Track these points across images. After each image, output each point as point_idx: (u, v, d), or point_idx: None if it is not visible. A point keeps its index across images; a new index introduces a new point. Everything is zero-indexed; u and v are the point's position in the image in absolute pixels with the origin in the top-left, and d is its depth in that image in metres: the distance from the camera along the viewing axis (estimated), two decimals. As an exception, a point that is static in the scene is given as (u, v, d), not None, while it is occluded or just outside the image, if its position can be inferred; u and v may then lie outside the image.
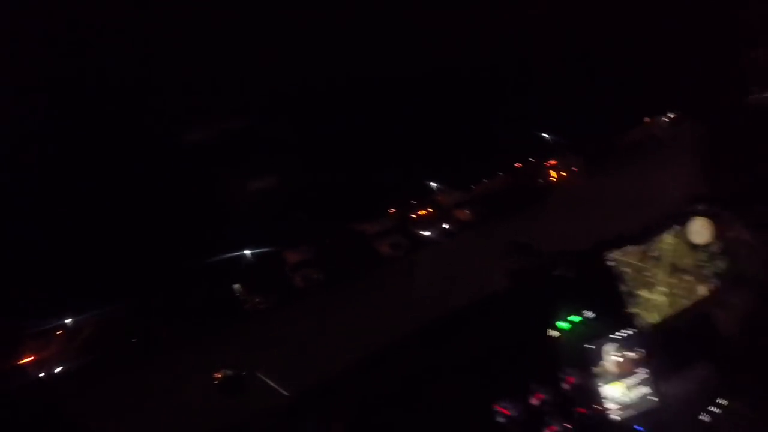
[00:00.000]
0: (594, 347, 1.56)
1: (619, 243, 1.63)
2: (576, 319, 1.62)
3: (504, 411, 1.58)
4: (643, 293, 1.59)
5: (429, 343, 1.79)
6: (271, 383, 1.80)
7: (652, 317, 1.57)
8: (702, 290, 1.63)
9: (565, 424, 1.55)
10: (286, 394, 1.78)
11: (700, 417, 1.59)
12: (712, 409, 1.63)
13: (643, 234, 1.64)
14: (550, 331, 1.63)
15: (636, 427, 1.60)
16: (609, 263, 1.59)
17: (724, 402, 1.63)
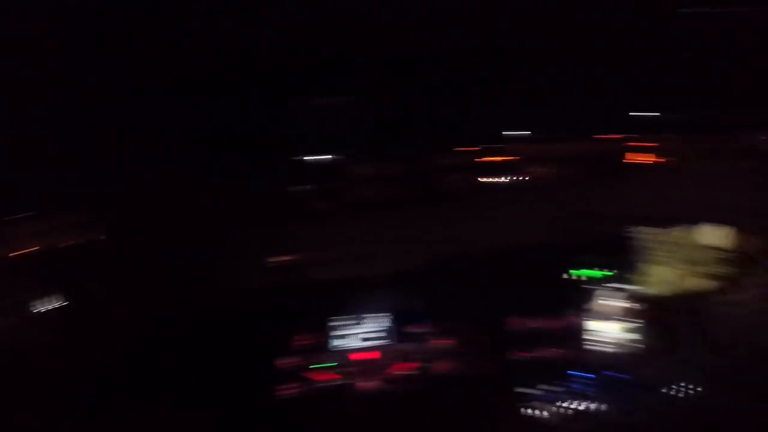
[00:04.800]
0: (595, 290, 2.43)
1: (648, 224, 2.43)
2: (594, 272, 2.52)
3: (515, 325, 2.56)
4: (655, 268, 2.38)
5: (476, 265, 2.72)
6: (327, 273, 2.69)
7: (657, 288, 2.36)
8: (703, 283, 2.33)
9: (561, 349, 2.52)
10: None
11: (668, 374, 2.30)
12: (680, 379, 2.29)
13: (670, 223, 2.36)
14: (571, 275, 2.52)
15: (617, 374, 2.49)
16: (634, 237, 2.40)
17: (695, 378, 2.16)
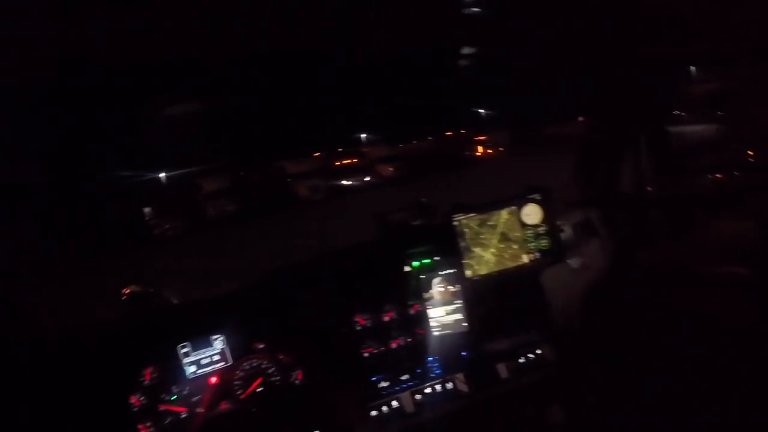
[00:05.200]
0: (426, 278, 2.16)
1: (466, 209, 2.13)
2: (426, 261, 2.18)
3: (361, 321, 2.14)
4: (477, 250, 2.13)
5: (317, 270, 2.21)
6: (173, 300, 2.02)
7: (480, 269, 2.13)
8: (525, 259, 2.18)
9: (407, 339, 2.16)
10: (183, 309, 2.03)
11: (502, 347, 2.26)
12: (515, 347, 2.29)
13: (488, 206, 2.15)
14: (406, 267, 2.17)
15: (462, 353, 2.18)
16: (454, 223, 2.12)
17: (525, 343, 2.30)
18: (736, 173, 3.87)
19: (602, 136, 2.69)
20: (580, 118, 2.80)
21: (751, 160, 3.89)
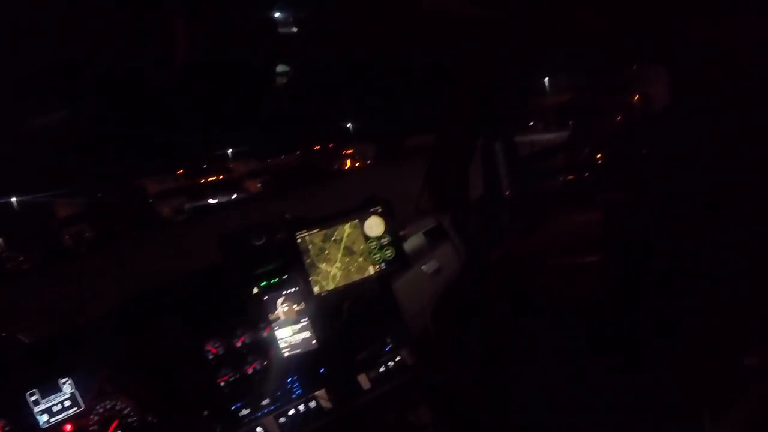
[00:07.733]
0: (269, 299, 2.13)
1: (309, 225, 2.13)
2: (273, 281, 2.16)
3: (213, 350, 2.06)
4: (323, 266, 2.13)
5: (166, 297, 2.09)
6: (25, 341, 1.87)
7: (327, 285, 2.14)
8: (371, 270, 2.21)
9: (262, 362, 2.12)
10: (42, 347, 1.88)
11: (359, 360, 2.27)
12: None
13: (330, 221, 2.15)
14: (254, 289, 2.13)
15: (321, 370, 2.19)
16: (297, 240, 2.11)
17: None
18: (586, 174, 4.33)
19: (452, 146, 2.87)
20: (434, 129, 2.99)
21: (599, 162, 4.39)
